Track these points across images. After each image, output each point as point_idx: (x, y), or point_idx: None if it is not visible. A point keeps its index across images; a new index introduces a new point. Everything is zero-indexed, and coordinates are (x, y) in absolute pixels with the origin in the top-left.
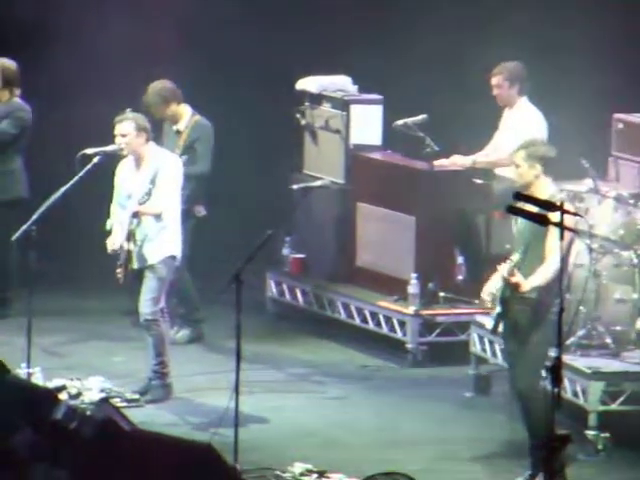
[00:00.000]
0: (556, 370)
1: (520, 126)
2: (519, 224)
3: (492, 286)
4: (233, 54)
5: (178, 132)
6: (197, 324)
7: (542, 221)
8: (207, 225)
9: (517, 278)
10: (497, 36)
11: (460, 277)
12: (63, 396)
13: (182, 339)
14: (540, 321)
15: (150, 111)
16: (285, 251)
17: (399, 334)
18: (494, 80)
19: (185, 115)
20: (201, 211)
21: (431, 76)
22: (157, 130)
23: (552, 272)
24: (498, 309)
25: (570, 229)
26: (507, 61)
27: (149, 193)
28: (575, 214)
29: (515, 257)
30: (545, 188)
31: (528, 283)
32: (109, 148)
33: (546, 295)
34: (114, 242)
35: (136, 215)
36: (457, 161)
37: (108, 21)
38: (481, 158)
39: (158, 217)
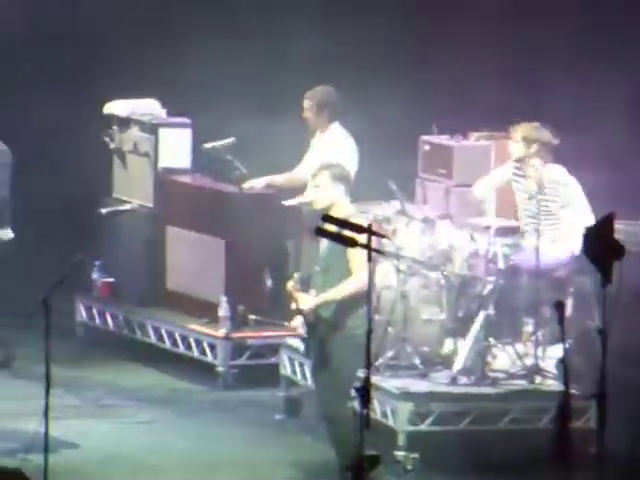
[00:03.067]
0: (365, 391)
1: (328, 150)
2: (322, 245)
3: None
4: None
5: None
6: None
7: (349, 243)
8: (14, 248)
9: (298, 294)
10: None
11: (269, 300)
12: None
13: None
14: (344, 342)
15: None
16: (94, 275)
17: (210, 357)
18: (304, 103)
19: None
20: (8, 234)
21: (239, 99)
22: None
23: (348, 290)
24: (305, 331)
25: (377, 251)
26: (319, 85)
27: None
28: (382, 236)
29: (298, 275)
30: (344, 209)
31: (313, 300)
32: None
33: (344, 316)
34: None
35: None
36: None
37: None
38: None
39: None
